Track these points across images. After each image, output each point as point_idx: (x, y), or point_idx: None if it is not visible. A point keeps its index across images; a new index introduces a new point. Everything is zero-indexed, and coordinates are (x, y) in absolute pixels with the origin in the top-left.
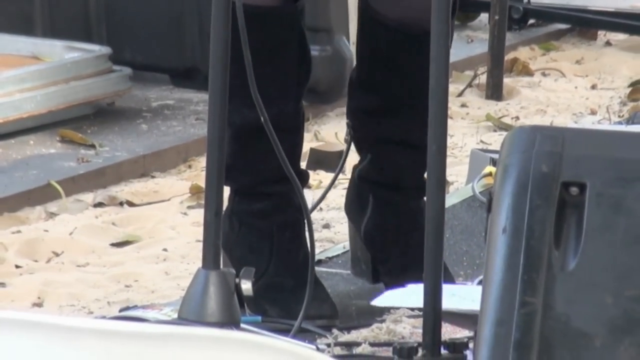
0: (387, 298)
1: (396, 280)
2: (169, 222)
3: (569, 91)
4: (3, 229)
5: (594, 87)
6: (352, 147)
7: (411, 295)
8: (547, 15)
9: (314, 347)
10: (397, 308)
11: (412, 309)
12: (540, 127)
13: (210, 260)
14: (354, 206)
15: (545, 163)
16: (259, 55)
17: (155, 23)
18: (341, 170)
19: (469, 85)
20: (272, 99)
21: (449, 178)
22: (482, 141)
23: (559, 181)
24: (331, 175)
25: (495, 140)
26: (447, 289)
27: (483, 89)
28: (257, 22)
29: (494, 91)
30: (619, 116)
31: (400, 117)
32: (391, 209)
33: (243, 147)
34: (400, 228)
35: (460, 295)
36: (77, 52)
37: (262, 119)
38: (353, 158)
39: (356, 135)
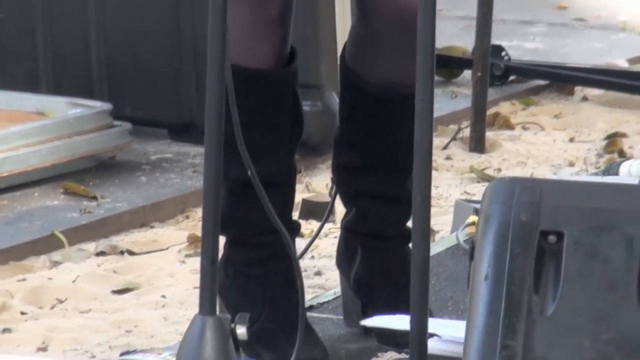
0: (376, 320)
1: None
2: (167, 270)
3: (548, 144)
4: (9, 277)
5: (571, 140)
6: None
7: (398, 320)
8: (526, 72)
9: None
10: (386, 351)
11: (400, 352)
12: (519, 179)
13: (206, 306)
14: (344, 257)
15: (525, 213)
16: (255, 114)
17: (153, 81)
18: (327, 220)
19: (454, 138)
20: (267, 156)
21: (434, 227)
22: (466, 192)
23: (538, 230)
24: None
25: (479, 190)
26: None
27: (467, 142)
28: (252, 84)
29: (477, 144)
30: (596, 167)
31: (380, 174)
32: (377, 256)
33: (238, 201)
34: (386, 274)
35: (445, 339)
36: (80, 108)
37: (249, 172)
38: (343, 208)
39: (340, 189)
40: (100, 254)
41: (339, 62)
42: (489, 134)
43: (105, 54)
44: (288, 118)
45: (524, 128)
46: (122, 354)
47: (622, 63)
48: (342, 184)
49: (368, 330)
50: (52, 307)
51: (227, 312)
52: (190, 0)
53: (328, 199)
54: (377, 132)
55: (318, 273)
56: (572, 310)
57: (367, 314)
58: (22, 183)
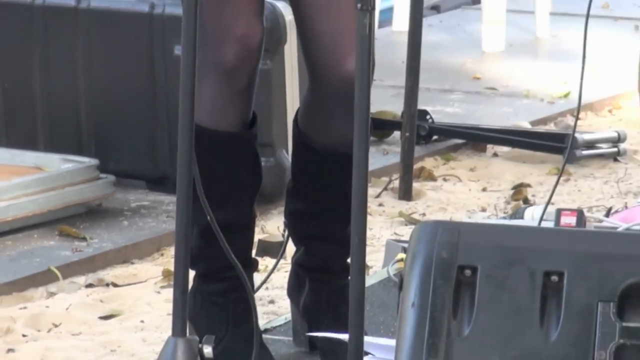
0: (320, 335)
1: (329, 343)
2: (145, 299)
3: (465, 193)
4: (12, 306)
5: (484, 189)
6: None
7: (338, 336)
8: (447, 132)
9: None
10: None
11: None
12: (440, 222)
13: (178, 329)
14: (294, 288)
15: (445, 250)
16: (223, 169)
17: (133, 140)
18: (282, 257)
19: (385, 188)
20: (233, 204)
21: (368, 263)
22: (395, 233)
23: (456, 265)
24: (275, 261)
25: (407, 232)
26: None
27: (396, 192)
28: (222, 144)
29: (405, 193)
30: (504, 212)
31: (325, 219)
32: (322, 287)
33: (206, 242)
34: (330, 302)
35: (378, 357)
36: (71, 164)
37: (208, 218)
38: (293, 246)
39: (291, 231)
40: (89, 286)
41: (291, 126)
42: (415, 185)
43: (93, 117)
44: (250, 172)
45: (445, 180)
46: None
47: (525, 125)
48: (293, 227)
49: (313, 349)
50: (49, 331)
51: (196, 335)
52: (165, 74)
53: (279, 239)
54: (323, 184)
55: (271, 301)
56: (484, 332)
57: (312, 337)
58: (23, 226)
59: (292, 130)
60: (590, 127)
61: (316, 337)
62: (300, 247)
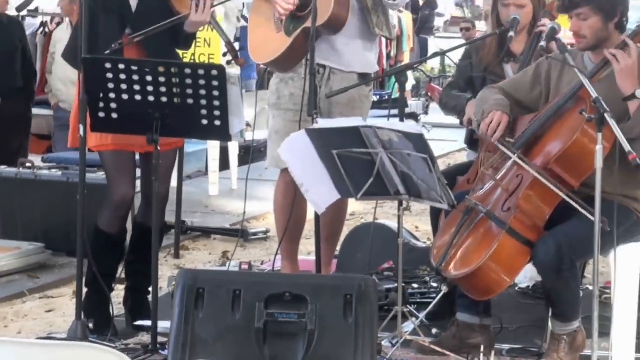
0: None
1: (146, 315)
2: (65, 303)
3: (203, 256)
4: (6, 307)
5: (210, 254)
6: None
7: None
8: (195, 230)
9: (115, 346)
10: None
11: (147, 331)
12: (190, 269)
13: (78, 316)
14: (125, 300)
15: (191, 281)
16: (108, 249)
17: (60, 234)
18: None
19: (168, 253)
20: (111, 263)
21: (160, 285)
22: (172, 273)
23: (196, 287)
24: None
25: (176, 272)
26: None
27: (173, 254)
28: (109, 239)
29: (176, 255)
30: (219, 265)
31: (144, 263)
32: (137, 299)
33: (94, 279)
34: (140, 305)
35: (165, 326)
36: (32, 245)
37: (94, 269)
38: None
39: (126, 270)
40: (41, 298)
41: (132, 221)
42: (181, 252)
43: (43, 226)
44: (120, 251)
45: (193, 250)
46: (49, 334)
47: (227, 225)
48: (128, 268)
49: (131, 323)
50: (23, 318)
51: (87, 318)
52: (74, 204)
53: (123, 276)
54: (147, 245)
55: (120, 303)
56: (208, 315)
57: (134, 311)
58: (11, 273)
59: (133, 221)
60: (264, 226)
61: (134, 318)
62: (130, 279)
